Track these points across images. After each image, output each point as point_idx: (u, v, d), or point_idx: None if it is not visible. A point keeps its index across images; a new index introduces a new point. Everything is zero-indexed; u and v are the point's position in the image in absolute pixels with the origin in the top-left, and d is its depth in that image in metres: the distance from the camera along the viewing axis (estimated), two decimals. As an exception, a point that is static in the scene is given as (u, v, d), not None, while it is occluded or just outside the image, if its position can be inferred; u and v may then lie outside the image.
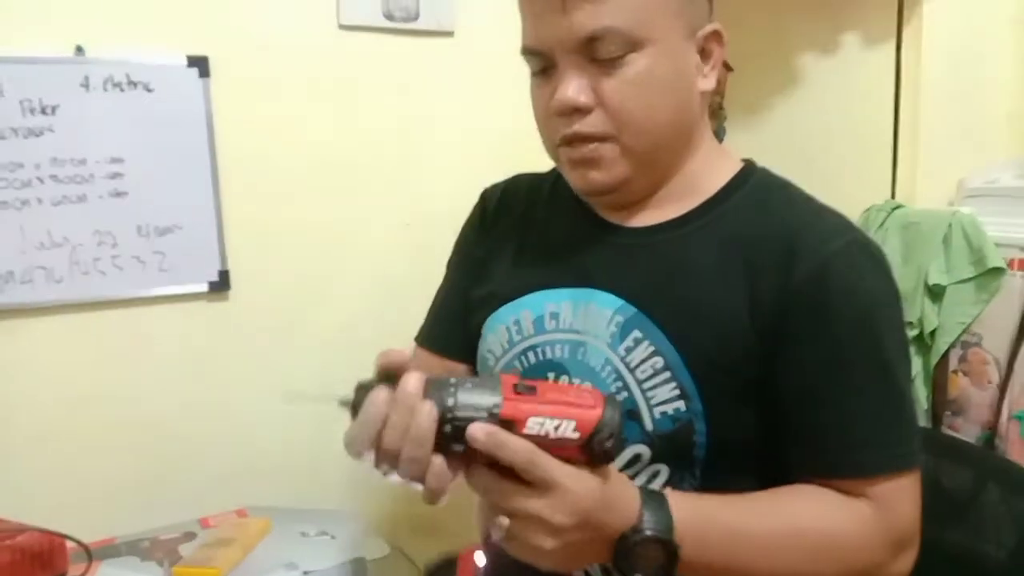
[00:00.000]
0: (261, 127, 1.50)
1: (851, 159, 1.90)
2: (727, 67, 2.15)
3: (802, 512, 0.80)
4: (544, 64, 0.86)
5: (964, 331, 1.66)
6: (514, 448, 0.66)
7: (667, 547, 0.71)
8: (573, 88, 0.83)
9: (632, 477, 0.86)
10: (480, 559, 0.81)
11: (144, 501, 1.46)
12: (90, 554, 1.13)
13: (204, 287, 1.48)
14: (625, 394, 0.86)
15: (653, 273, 0.88)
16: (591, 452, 0.67)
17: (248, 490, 1.50)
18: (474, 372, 1.08)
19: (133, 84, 1.40)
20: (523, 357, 0.94)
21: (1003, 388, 1.60)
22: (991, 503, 1.31)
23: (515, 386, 0.69)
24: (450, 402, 0.67)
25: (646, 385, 0.85)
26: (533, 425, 0.67)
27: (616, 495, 0.71)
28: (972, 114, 1.81)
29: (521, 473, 0.67)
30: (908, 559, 0.83)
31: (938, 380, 1.70)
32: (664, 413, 0.84)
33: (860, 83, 1.88)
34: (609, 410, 0.67)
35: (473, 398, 0.67)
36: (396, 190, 1.62)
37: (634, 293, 0.87)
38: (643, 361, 0.85)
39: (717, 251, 0.87)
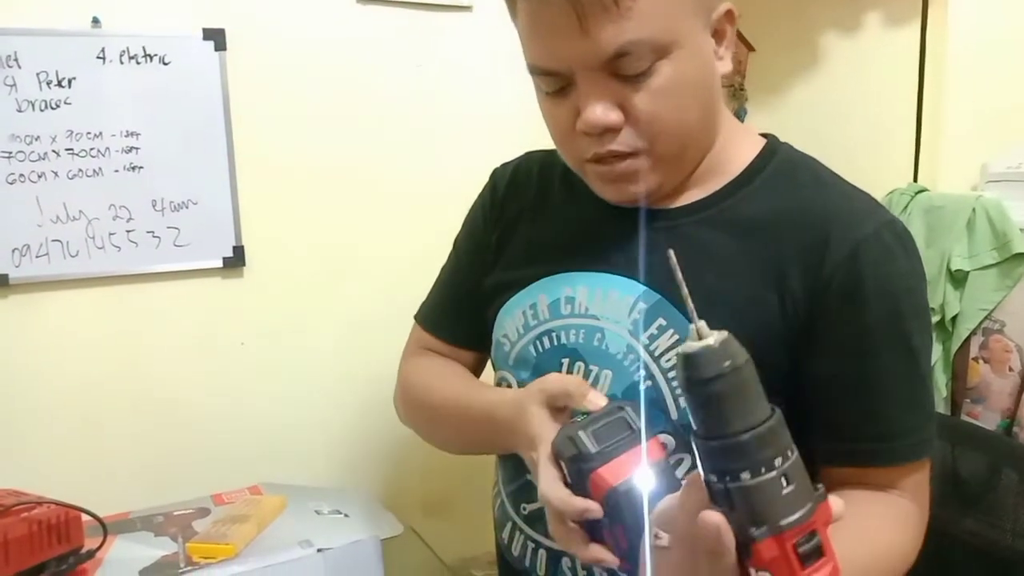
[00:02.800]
0: (277, 101, 1.49)
1: (874, 142, 1.88)
2: (748, 47, 2.12)
3: (876, 533, 0.78)
4: (560, 83, 0.81)
5: (986, 317, 1.63)
6: None
7: None
8: (601, 108, 0.78)
9: None
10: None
11: (158, 476, 1.46)
12: (105, 528, 1.13)
13: (218, 263, 1.48)
14: (650, 382, 0.84)
15: (680, 259, 0.87)
16: None
17: (262, 467, 1.50)
18: (482, 359, 1.08)
19: (149, 57, 1.39)
20: (538, 342, 0.92)
21: (1024, 376, 1.58)
22: (1010, 490, 1.30)
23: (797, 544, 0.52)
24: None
25: (672, 374, 0.83)
26: None
27: None
28: (997, 97, 1.78)
29: None
30: None
31: (958, 367, 1.68)
32: None
33: (884, 65, 1.85)
34: None
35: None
36: (413, 166, 1.60)
37: (657, 279, 0.85)
38: (669, 349, 0.84)
39: (743, 235, 0.85)
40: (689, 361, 0.52)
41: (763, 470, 0.51)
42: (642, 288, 0.86)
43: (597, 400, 0.77)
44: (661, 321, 0.84)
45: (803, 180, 0.87)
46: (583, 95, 0.79)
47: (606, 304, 0.88)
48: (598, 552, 0.71)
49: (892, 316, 0.80)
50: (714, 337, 0.52)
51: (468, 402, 0.97)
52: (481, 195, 1.10)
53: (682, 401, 0.83)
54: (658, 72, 0.77)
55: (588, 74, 0.77)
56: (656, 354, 0.84)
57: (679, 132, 0.81)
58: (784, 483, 0.51)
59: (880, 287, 0.79)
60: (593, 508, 0.69)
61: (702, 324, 0.53)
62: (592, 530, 0.71)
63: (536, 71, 0.82)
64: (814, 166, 0.90)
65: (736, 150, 0.90)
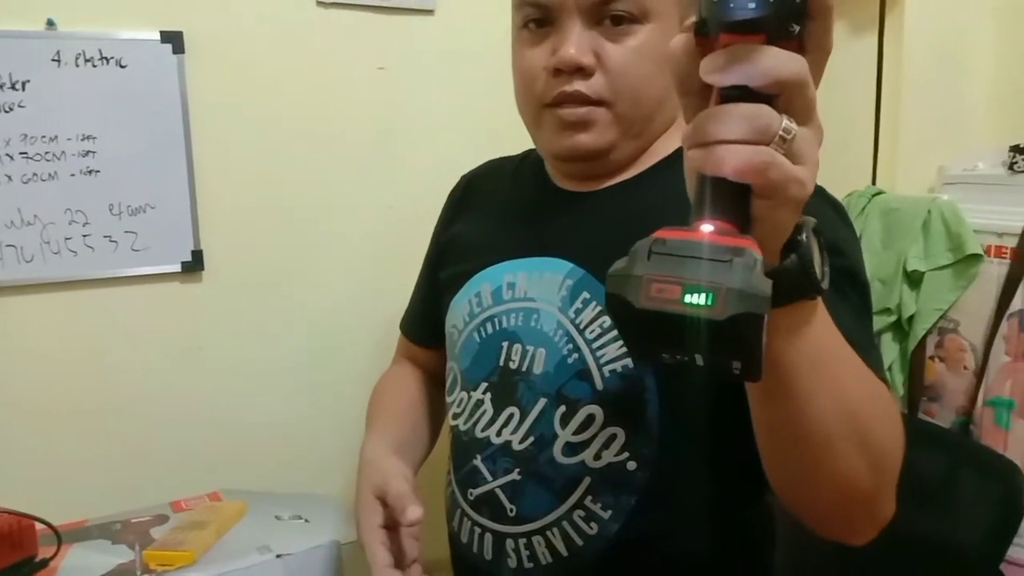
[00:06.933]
0: (237, 105, 1.48)
1: (833, 145, 1.88)
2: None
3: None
4: (542, 23, 0.86)
5: (941, 317, 1.67)
6: None
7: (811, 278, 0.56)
8: (578, 48, 0.83)
9: (587, 442, 0.85)
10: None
11: (115, 483, 1.44)
12: (60, 537, 1.11)
13: (177, 267, 1.46)
14: (576, 356, 0.86)
15: (602, 233, 0.88)
16: None
17: (221, 473, 1.49)
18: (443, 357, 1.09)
19: (106, 60, 1.37)
20: (481, 328, 0.96)
21: (979, 374, 1.61)
22: (966, 487, 1.32)
23: None
24: None
25: (595, 344, 0.86)
26: None
27: None
28: (952, 102, 1.82)
29: None
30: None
31: (915, 366, 1.71)
32: (613, 371, 0.85)
33: (842, 71, 1.88)
34: None
35: None
36: (377, 170, 1.60)
37: (583, 255, 0.88)
38: (592, 321, 0.86)
39: (671, 202, 0.86)
40: None
41: None
42: (570, 266, 0.89)
43: (412, 515, 0.87)
44: (585, 295, 0.87)
45: None
46: (564, 36, 0.84)
47: (541, 286, 0.91)
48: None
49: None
50: None
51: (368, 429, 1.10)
52: (443, 207, 1.15)
53: (607, 370, 0.84)
54: (636, 34, 0.83)
55: (575, 14, 0.83)
56: (581, 327, 0.86)
57: (640, 97, 0.85)
58: None
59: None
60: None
61: None
62: None
63: (524, 2, 0.87)
64: None
65: (670, 144, 0.92)
